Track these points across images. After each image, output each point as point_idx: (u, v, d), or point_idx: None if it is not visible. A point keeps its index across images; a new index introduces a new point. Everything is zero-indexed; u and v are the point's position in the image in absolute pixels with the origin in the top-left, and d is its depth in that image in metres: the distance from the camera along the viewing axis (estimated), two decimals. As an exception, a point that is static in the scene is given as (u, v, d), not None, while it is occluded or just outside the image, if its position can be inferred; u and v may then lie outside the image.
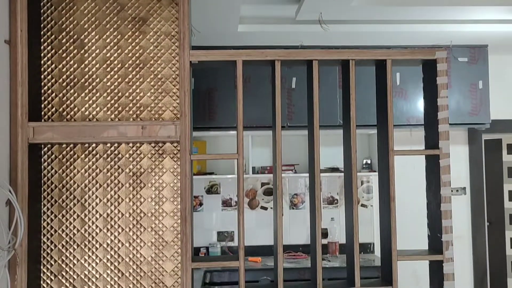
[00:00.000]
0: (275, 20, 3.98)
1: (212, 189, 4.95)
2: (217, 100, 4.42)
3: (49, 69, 2.10)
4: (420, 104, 4.41)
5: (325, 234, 4.86)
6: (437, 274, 2.10)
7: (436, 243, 2.10)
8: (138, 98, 2.12)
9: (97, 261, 2.09)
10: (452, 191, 5.03)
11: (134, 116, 2.10)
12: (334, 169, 4.76)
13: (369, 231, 4.87)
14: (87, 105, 2.11)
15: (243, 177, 2.06)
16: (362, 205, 4.97)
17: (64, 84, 2.10)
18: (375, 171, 4.82)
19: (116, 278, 2.10)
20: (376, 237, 4.87)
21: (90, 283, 2.08)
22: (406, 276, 4.53)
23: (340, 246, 4.79)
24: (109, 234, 2.10)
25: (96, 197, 2.11)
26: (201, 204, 4.93)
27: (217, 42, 4.19)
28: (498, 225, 5.57)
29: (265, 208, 4.93)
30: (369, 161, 4.87)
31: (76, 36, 2.12)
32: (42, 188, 2.08)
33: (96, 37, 2.12)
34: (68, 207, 2.09)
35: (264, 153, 4.98)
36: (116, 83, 2.12)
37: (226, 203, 4.93)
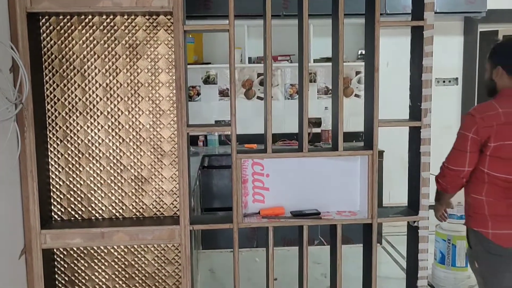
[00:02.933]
0: None
1: (209, 79, 5.05)
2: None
3: None
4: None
5: (318, 123, 5.04)
6: (415, 140, 2.26)
7: (416, 112, 2.24)
8: (131, -31, 2.15)
9: (99, 127, 2.25)
10: (444, 81, 5.16)
11: (128, -13, 2.15)
12: (330, 59, 4.83)
13: (362, 121, 5.05)
14: (81, -23, 2.14)
15: (234, 47, 2.15)
16: (356, 95, 5.09)
17: (58, -46, 2.12)
18: (369, 62, 4.89)
19: (117, 144, 2.26)
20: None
21: (93, 148, 2.25)
22: (396, 166, 4.76)
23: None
24: (109, 102, 2.24)
25: (95, 67, 2.21)
26: (198, 94, 5.06)
27: None
28: (488, 117, 5.72)
29: (261, 98, 5.06)
30: (361, 52, 4.92)
31: None
32: (43, 59, 2.18)
33: None
34: (69, 77, 2.21)
35: (260, 44, 5.01)
36: (108, -46, 2.14)
37: (223, 93, 5.06)
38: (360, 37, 5.03)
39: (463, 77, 5.14)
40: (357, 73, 5.09)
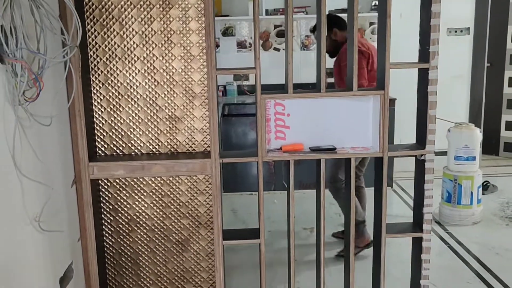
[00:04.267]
0: None
1: (227, 32, 5.24)
2: None
3: None
4: None
5: (331, 74, 5.23)
6: (423, 80, 2.47)
7: (424, 55, 2.45)
8: None
9: (136, 72, 2.49)
10: (456, 31, 5.30)
11: None
12: (345, 10, 4.97)
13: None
14: None
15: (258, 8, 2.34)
16: (369, 46, 5.25)
17: None
18: (383, 12, 5.02)
19: (153, 86, 2.51)
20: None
21: (131, 90, 2.50)
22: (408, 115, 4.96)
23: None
24: (144, 49, 2.47)
25: (132, 16, 2.43)
26: (217, 46, 5.25)
27: None
28: (499, 66, 5.87)
29: (278, 50, 5.25)
30: (375, 2, 5.05)
31: None
32: (85, 9, 2.41)
33: None
34: (108, 25, 2.43)
35: (276, -4, 5.16)
36: None
37: (241, 45, 5.26)
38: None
39: (474, 27, 5.26)
40: (371, 24, 5.23)
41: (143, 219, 2.63)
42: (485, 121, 5.76)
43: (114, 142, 2.55)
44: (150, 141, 2.56)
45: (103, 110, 2.51)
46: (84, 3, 2.40)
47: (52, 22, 1.92)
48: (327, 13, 2.92)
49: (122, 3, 2.42)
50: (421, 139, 2.54)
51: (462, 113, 5.47)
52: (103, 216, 2.61)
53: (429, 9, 2.37)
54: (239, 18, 5.07)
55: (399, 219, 3.97)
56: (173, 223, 2.64)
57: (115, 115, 2.52)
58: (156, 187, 2.61)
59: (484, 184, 4.70)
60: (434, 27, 2.38)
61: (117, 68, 2.48)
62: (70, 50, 2.01)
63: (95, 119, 2.52)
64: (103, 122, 2.52)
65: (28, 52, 1.78)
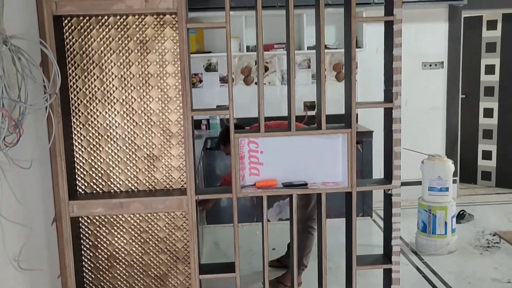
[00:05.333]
0: None
1: (210, 67, 5.40)
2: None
3: (63, -49, 2.45)
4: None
5: (313, 107, 5.39)
6: (388, 119, 2.61)
7: (389, 95, 2.59)
8: (140, -24, 2.49)
9: (116, 113, 2.61)
10: (430, 65, 5.50)
11: (138, -9, 2.49)
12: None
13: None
14: (97, -17, 2.49)
15: (230, 44, 2.49)
16: (348, 80, 5.43)
17: (77, -36, 2.47)
18: (360, 47, 5.23)
19: (132, 127, 2.62)
20: (360, 110, 5.38)
21: (111, 131, 2.61)
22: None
23: (326, 116, 5.32)
24: (123, 91, 2.59)
25: (111, 61, 2.57)
26: (201, 81, 5.41)
27: None
28: (473, 97, 6.08)
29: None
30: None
31: None
32: (67, 54, 2.54)
33: None
34: (89, 69, 2.56)
35: (257, 33, 5.36)
36: (120, -37, 2.48)
37: (223, 80, 5.41)
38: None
39: (448, 61, 5.47)
40: (349, 58, 5.41)
41: (122, 255, 2.71)
42: (462, 150, 5.93)
43: (94, 181, 2.65)
44: (129, 179, 2.67)
45: (83, 150, 2.62)
46: (66, 49, 2.54)
47: (32, 71, 2.04)
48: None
49: (102, 48, 2.56)
50: (388, 175, 2.67)
51: (439, 144, 5.63)
52: (83, 252, 2.69)
53: (391, 52, 2.53)
54: (221, 55, 5.23)
55: (377, 249, 4.05)
56: (151, 258, 2.72)
57: (95, 155, 2.63)
58: (135, 223, 2.70)
59: (461, 213, 4.82)
60: (396, 69, 2.53)
61: (97, 109, 2.60)
62: (50, 97, 2.13)
63: (75, 159, 2.62)
64: (84, 161, 2.63)
65: (9, 100, 1.89)
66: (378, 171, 5.33)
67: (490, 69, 5.92)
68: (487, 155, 6.12)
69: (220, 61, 5.39)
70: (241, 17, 5.06)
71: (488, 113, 6.02)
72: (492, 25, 5.82)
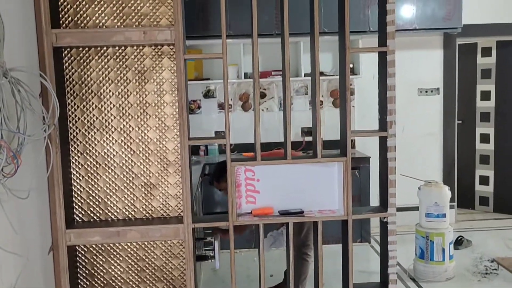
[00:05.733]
0: None
1: (208, 94, 5.46)
2: (211, 10, 4.80)
3: (64, -16, 2.52)
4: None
5: (310, 133, 5.42)
6: (383, 147, 2.64)
7: (383, 124, 2.63)
8: (139, 8, 2.55)
9: (113, 142, 2.64)
10: (426, 91, 5.56)
11: (137, 23, 2.55)
12: (320, 73, 5.23)
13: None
14: (97, 15, 2.54)
15: (227, 74, 2.53)
16: (345, 106, 5.48)
17: (77, -3, 2.53)
18: (356, 74, 5.30)
19: (129, 155, 2.65)
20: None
21: (109, 159, 2.64)
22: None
23: (324, 142, 5.36)
24: (121, 120, 2.63)
25: (110, 91, 2.61)
26: (199, 107, 5.46)
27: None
28: (470, 123, 6.12)
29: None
30: (351, 65, 5.31)
31: (84, -45, 2.51)
32: (66, 84, 2.58)
33: (101, -44, 2.52)
34: (88, 99, 2.60)
35: (255, 60, 5.43)
36: (120, -4, 2.54)
37: (221, 106, 5.46)
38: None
39: (444, 87, 5.54)
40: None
41: (119, 284, 2.71)
42: (460, 176, 5.94)
43: (91, 209, 2.66)
44: (126, 207, 2.68)
45: (81, 178, 2.64)
46: (65, 79, 2.58)
47: (31, 102, 2.08)
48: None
49: (101, 78, 2.60)
50: (384, 202, 2.68)
51: (436, 169, 5.66)
52: (79, 281, 2.68)
53: (385, 82, 2.57)
54: (220, 82, 5.29)
55: (375, 276, 4.04)
56: (148, 287, 2.72)
57: (93, 183, 2.65)
58: (132, 252, 2.70)
59: (458, 239, 4.82)
60: (390, 99, 2.57)
61: (95, 138, 2.63)
62: (49, 127, 2.16)
63: (73, 187, 2.64)
64: (81, 190, 2.64)
65: (8, 131, 1.92)
66: (375, 196, 5.34)
67: (485, 95, 5.98)
68: (484, 180, 6.13)
69: (218, 88, 5.45)
70: (239, 44, 5.14)
71: (485, 138, 6.06)
72: (486, 52, 5.91)
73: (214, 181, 3.78)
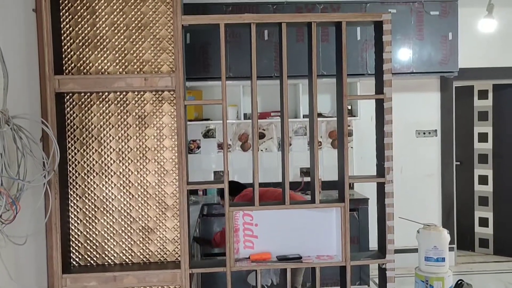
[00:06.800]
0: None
1: (208, 134, 5.49)
2: (211, 53, 4.89)
3: (68, 31, 2.58)
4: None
5: (308, 173, 5.44)
6: (381, 193, 2.65)
7: (381, 169, 2.65)
8: (141, 55, 2.61)
9: (112, 185, 2.65)
10: (424, 133, 5.59)
11: (138, 70, 2.60)
12: (318, 115, 5.28)
13: (350, 169, 5.46)
14: (99, 61, 2.60)
15: (226, 120, 2.57)
16: (343, 147, 5.52)
17: (81, 44, 2.59)
18: (355, 116, 5.35)
19: (128, 199, 2.66)
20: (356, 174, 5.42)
21: (107, 203, 2.65)
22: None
23: (322, 183, 5.37)
24: (121, 164, 2.65)
25: (110, 135, 2.64)
26: (198, 147, 5.49)
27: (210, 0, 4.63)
28: (468, 164, 6.14)
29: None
30: (349, 107, 5.38)
31: (88, 4, 2.58)
32: (67, 129, 2.61)
33: (105, 4, 2.59)
34: (88, 143, 2.63)
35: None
36: (122, 43, 2.60)
37: (221, 146, 5.49)
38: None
39: (441, 129, 5.58)
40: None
41: (114, 330, 2.67)
42: (459, 217, 5.92)
43: (89, 253, 2.65)
44: (124, 252, 2.67)
45: (79, 222, 2.64)
46: (66, 123, 2.61)
47: (32, 148, 2.10)
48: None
49: (102, 123, 2.63)
50: (382, 248, 2.67)
51: (435, 210, 5.64)
52: (74, 327, 2.64)
53: (382, 129, 2.61)
54: (219, 122, 5.33)
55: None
56: (143, 333, 2.68)
57: (91, 227, 2.65)
58: (128, 297, 2.67)
59: (459, 283, 4.75)
60: (387, 145, 2.60)
61: (94, 182, 2.64)
62: (48, 173, 2.18)
63: (71, 231, 2.64)
64: (79, 233, 2.64)
65: (8, 178, 1.94)
66: (375, 238, 5.31)
67: (483, 137, 6.02)
68: (483, 222, 6.11)
69: (218, 128, 5.49)
70: (239, 86, 5.21)
71: (483, 180, 6.07)
72: (483, 94, 5.98)
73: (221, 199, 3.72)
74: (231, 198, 3.84)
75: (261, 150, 5.53)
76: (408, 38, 5.05)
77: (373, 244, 5.33)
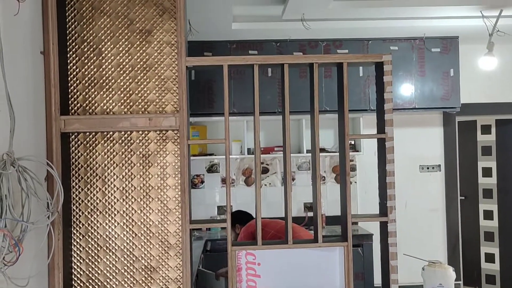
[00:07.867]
0: (265, 18, 4.49)
1: (212, 169, 5.52)
2: (215, 90, 4.96)
3: (75, 73, 2.64)
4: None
5: (312, 208, 5.43)
6: (384, 232, 2.64)
7: (383, 208, 2.65)
8: (145, 95, 2.65)
9: (116, 224, 2.65)
10: (428, 168, 5.59)
11: (143, 109, 2.65)
12: (321, 150, 5.31)
13: (352, 206, 5.44)
14: (105, 101, 2.65)
15: (229, 161, 2.59)
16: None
17: (87, 84, 2.64)
18: (358, 151, 5.36)
19: (130, 238, 2.66)
20: (359, 211, 5.42)
21: (110, 242, 2.65)
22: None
23: (326, 218, 5.35)
24: (124, 203, 2.66)
25: (114, 174, 2.66)
26: (202, 182, 5.50)
27: (215, 37, 4.71)
28: (473, 199, 6.11)
29: (260, 185, 5.49)
30: (352, 142, 5.40)
31: (95, 46, 2.65)
32: (71, 168, 2.64)
33: (111, 46, 2.65)
34: (92, 182, 2.65)
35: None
36: (127, 83, 2.65)
37: (224, 181, 5.50)
38: (349, 128, 5.56)
39: (445, 164, 5.58)
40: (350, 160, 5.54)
41: None
42: (465, 253, 5.86)
43: (91, 293, 2.64)
44: (126, 291, 2.66)
45: (81, 261, 2.63)
46: (71, 162, 2.64)
47: (37, 188, 2.12)
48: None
49: (106, 162, 2.66)
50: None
51: (440, 245, 5.59)
52: None
53: (384, 168, 2.62)
54: (223, 157, 5.37)
55: None
56: None
57: (93, 266, 2.64)
58: (129, 338, 2.65)
59: (466, 321, 4.68)
60: (389, 184, 2.61)
61: (97, 221, 2.65)
62: (52, 214, 2.20)
63: (73, 270, 2.63)
64: (81, 273, 2.63)
65: (12, 219, 1.95)
66: (380, 273, 5.25)
67: (487, 172, 6.01)
68: (490, 258, 6.04)
69: (221, 163, 5.52)
70: (243, 121, 5.26)
71: (488, 215, 6.03)
72: (486, 129, 6.00)
73: None
74: (239, 227, 4.11)
75: (265, 185, 5.54)
76: (410, 74, 5.11)
77: (378, 279, 5.28)
